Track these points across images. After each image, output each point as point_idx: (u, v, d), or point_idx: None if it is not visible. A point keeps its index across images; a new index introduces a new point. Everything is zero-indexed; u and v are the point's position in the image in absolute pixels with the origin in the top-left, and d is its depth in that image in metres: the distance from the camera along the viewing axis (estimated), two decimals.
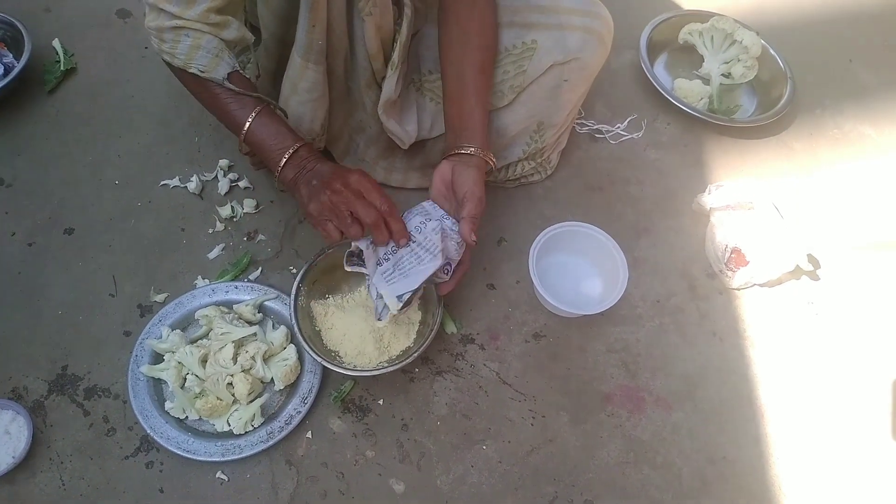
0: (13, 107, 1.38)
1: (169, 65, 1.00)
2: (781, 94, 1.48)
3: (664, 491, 1.05)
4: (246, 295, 1.15)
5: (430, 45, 1.18)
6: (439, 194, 1.05)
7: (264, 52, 1.15)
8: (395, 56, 1.08)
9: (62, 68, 1.44)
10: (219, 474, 1.02)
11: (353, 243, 0.99)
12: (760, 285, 1.24)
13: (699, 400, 1.13)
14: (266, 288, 1.16)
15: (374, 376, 1.10)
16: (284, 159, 0.98)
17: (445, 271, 1.02)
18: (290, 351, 1.09)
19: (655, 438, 1.09)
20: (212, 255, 1.22)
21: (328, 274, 1.14)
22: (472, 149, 1.05)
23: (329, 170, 0.97)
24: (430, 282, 1.01)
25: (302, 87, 1.07)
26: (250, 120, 0.98)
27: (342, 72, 1.13)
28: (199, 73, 0.97)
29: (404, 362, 1.03)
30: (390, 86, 1.10)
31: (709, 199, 1.27)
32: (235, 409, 1.05)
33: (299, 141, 1.00)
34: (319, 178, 0.96)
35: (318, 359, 1.03)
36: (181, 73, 1.00)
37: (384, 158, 1.27)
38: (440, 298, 1.07)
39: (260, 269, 1.21)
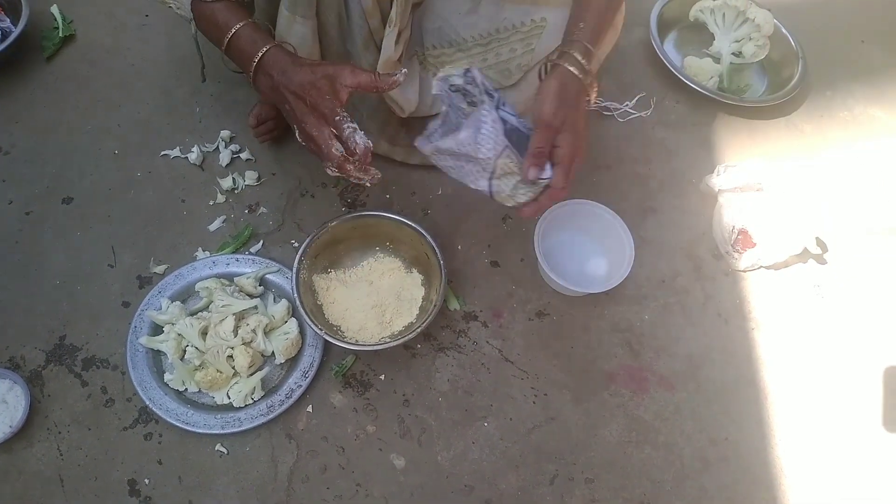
0: (10, 73, 1.36)
1: None
2: (792, 75, 1.46)
3: (665, 471, 1.04)
4: (247, 268, 1.14)
5: (434, 18, 1.15)
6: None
7: (256, 10, 1.12)
8: (393, 13, 1.03)
9: (61, 35, 1.41)
10: (218, 447, 1.01)
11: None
12: (767, 268, 1.23)
13: (702, 381, 1.12)
14: (267, 261, 1.15)
15: (375, 351, 1.09)
16: (254, 64, 0.94)
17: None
18: (292, 324, 1.08)
19: (658, 418, 1.08)
20: (212, 227, 1.21)
21: (330, 248, 1.13)
22: (569, 56, 0.91)
23: (297, 81, 0.91)
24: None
25: (291, 43, 1.05)
26: (235, 28, 0.95)
27: (336, 32, 1.09)
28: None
29: (406, 338, 1.03)
30: (389, 44, 1.05)
31: (717, 180, 1.25)
32: (235, 382, 1.04)
33: (270, 42, 0.94)
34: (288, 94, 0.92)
35: (320, 332, 1.02)
36: None
37: (386, 133, 1.24)
38: (444, 275, 1.06)
39: (261, 241, 1.19)
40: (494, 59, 1.12)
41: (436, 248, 1.08)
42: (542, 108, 0.90)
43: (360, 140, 0.91)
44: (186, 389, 1.04)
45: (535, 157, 0.90)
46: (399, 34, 1.05)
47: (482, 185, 0.95)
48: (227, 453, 1.01)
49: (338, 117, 0.91)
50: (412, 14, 1.09)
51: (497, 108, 0.91)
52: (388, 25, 1.05)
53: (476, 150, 0.90)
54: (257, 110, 1.24)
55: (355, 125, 0.91)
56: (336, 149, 0.91)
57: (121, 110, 1.34)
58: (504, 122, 0.91)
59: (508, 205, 0.97)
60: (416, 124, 1.21)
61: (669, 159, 1.36)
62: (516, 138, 0.92)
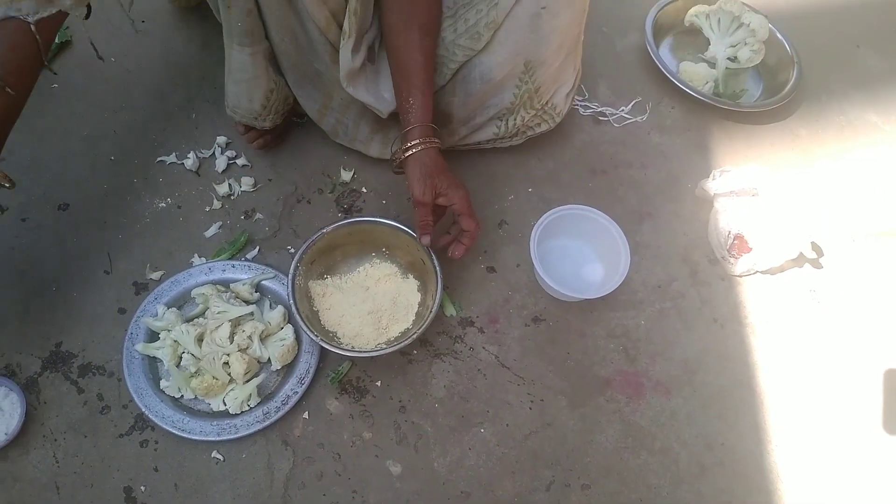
0: None
1: None
2: (788, 79, 1.46)
3: (661, 476, 1.04)
4: (243, 274, 1.14)
5: None
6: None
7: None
8: (346, 25, 1.03)
9: (56, 40, 1.40)
10: (214, 454, 1.01)
11: None
12: (763, 272, 1.23)
13: (698, 386, 1.12)
14: (263, 267, 1.15)
15: (371, 357, 1.09)
16: None
17: None
18: (288, 331, 1.08)
19: (654, 424, 1.08)
20: (209, 233, 1.21)
21: (327, 254, 1.13)
22: (415, 142, 1.03)
23: None
24: None
25: (233, 68, 1.08)
26: None
27: (296, 53, 1.10)
28: None
29: (402, 344, 1.02)
30: (346, 56, 1.05)
31: (713, 184, 1.25)
32: (231, 389, 1.04)
33: None
34: None
35: (316, 339, 1.02)
36: None
37: (377, 132, 1.23)
38: (440, 281, 1.06)
39: (257, 248, 1.19)
40: (464, 27, 1.10)
41: (432, 254, 1.08)
42: (413, 191, 1.03)
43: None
44: (182, 396, 1.04)
45: (420, 229, 1.05)
46: (359, 40, 1.05)
47: None
48: (224, 460, 1.01)
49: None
50: (374, 14, 1.08)
51: None
52: (342, 38, 1.05)
53: None
54: None
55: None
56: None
57: (117, 116, 1.34)
58: None
59: None
60: None
61: (665, 164, 1.36)
62: None
